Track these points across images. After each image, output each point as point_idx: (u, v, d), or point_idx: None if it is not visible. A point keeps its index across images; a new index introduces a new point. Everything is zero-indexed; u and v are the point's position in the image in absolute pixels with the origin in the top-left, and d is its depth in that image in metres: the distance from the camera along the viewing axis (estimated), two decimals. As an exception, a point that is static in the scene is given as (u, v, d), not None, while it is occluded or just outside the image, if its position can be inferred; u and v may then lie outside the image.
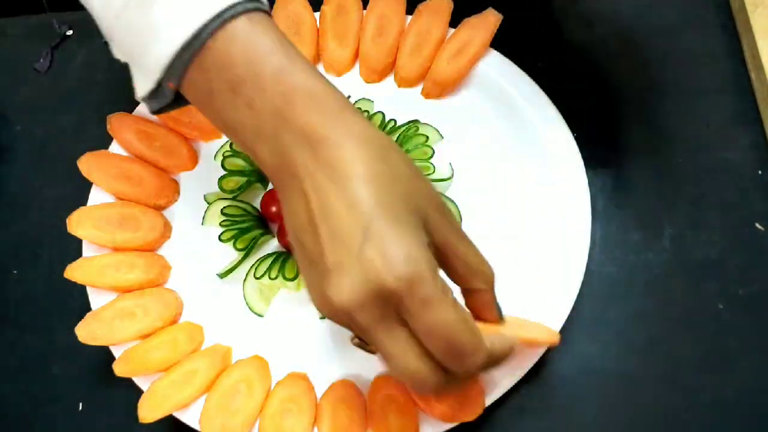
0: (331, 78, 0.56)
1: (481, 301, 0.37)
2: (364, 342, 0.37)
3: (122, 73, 0.61)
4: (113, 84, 0.60)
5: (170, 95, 0.38)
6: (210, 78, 0.35)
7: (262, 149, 0.35)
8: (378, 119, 0.53)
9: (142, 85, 0.37)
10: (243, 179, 0.52)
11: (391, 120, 0.53)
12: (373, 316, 0.32)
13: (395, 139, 0.52)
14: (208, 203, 0.52)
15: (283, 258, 0.49)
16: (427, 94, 0.55)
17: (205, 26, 0.34)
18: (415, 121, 0.53)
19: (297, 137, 0.34)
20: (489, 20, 0.54)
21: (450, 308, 0.32)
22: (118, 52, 0.39)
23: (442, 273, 0.34)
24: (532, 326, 0.43)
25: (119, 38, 0.37)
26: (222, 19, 0.34)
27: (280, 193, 0.36)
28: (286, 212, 0.35)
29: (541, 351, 0.45)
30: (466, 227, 0.38)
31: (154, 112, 0.40)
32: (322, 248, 0.33)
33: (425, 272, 0.32)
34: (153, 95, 0.38)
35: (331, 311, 0.33)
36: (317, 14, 0.57)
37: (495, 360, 0.35)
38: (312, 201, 0.33)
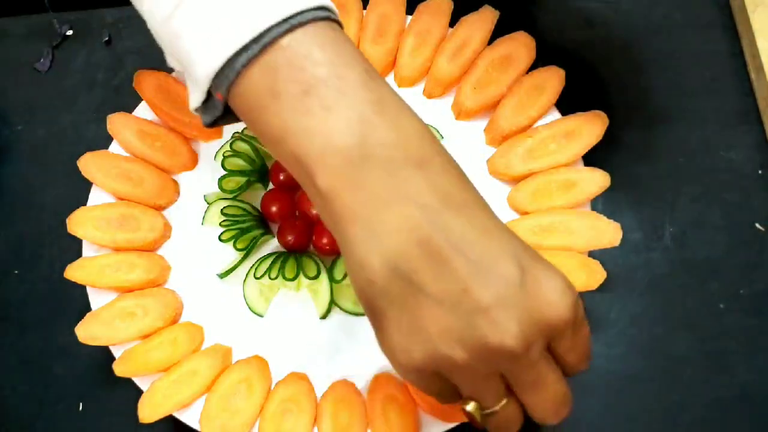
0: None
1: None
2: (480, 408, 0.32)
3: (122, 73, 0.61)
4: (113, 84, 0.60)
5: (220, 107, 0.34)
6: (277, 79, 0.31)
7: (330, 162, 0.30)
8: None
9: (194, 96, 0.34)
10: (243, 179, 0.52)
11: (391, 120, 0.53)
12: (541, 349, 0.29)
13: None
14: (208, 203, 0.52)
15: (283, 258, 0.49)
16: (429, 94, 0.55)
17: (268, 30, 0.31)
18: (416, 121, 0.53)
19: (393, 151, 0.30)
20: (486, 17, 0.53)
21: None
22: (171, 59, 0.36)
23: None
24: None
25: (168, 44, 0.34)
26: (290, 24, 0.31)
27: (346, 218, 0.30)
28: (363, 239, 0.30)
29: None
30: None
31: (208, 126, 0.36)
32: (465, 283, 0.28)
33: (576, 294, 0.30)
34: (205, 106, 0.35)
35: (482, 354, 0.29)
36: (317, 14, 0.57)
37: None
38: (426, 228, 0.29)
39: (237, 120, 0.36)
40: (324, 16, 0.32)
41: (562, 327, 0.29)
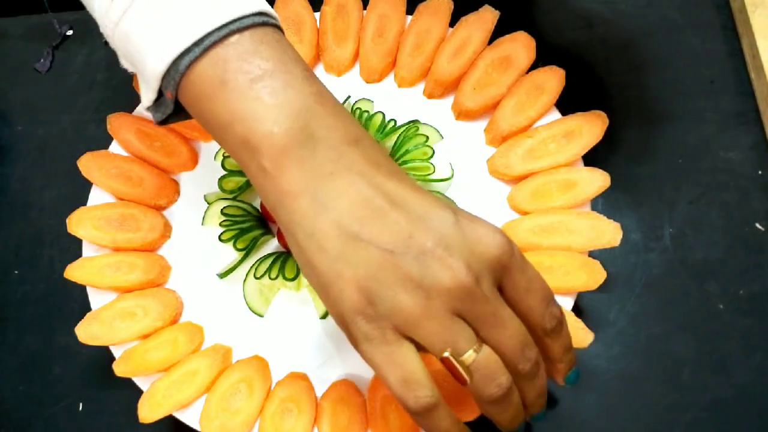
0: (332, 78, 0.56)
1: None
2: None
3: (122, 73, 0.61)
4: (113, 84, 0.60)
5: (171, 105, 0.37)
6: (227, 69, 0.34)
7: (278, 141, 0.33)
8: (378, 119, 0.53)
9: (146, 95, 0.37)
10: (243, 179, 0.52)
11: (391, 120, 0.53)
12: (490, 285, 0.32)
13: (395, 139, 0.52)
14: (208, 203, 0.52)
15: (283, 258, 0.49)
16: (429, 95, 0.55)
17: (209, 35, 0.34)
18: (416, 121, 0.53)
19: (333, 132, 0.33)
20: (486, 17, 0.54)
21: None
22: (123, 61, 0.39)
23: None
24: None
25: (119, 47, 0.37)
26: (229, 29, 0.34)
27: (293, 192, 0.33)
28: (312, 207, 0.33)
29: None
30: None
31: (159, 124, 0.39)
32: (408, 230, 0.32)
33: (506, 235, 0.33)
34: (156, 105, 0.38)
35: (439, 292, 0.31)
36: (317, 14, 0.57)
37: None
38: (367, 190, 0.32)
39: (188, 117, 0.38)
40: (262, 21, 0.35)
41: (504, 260, 0.32)
